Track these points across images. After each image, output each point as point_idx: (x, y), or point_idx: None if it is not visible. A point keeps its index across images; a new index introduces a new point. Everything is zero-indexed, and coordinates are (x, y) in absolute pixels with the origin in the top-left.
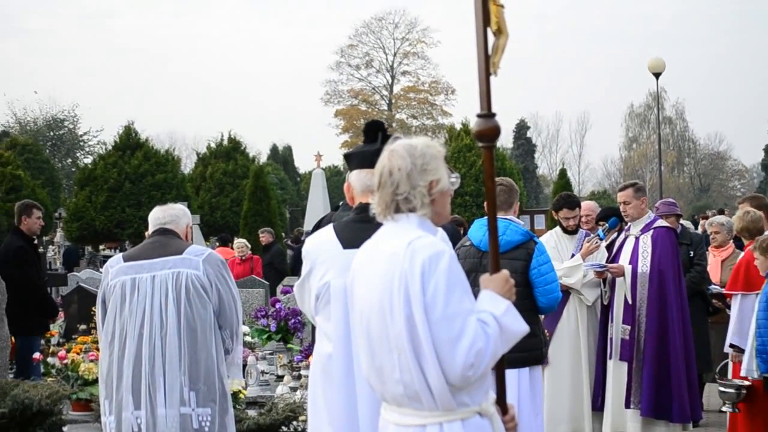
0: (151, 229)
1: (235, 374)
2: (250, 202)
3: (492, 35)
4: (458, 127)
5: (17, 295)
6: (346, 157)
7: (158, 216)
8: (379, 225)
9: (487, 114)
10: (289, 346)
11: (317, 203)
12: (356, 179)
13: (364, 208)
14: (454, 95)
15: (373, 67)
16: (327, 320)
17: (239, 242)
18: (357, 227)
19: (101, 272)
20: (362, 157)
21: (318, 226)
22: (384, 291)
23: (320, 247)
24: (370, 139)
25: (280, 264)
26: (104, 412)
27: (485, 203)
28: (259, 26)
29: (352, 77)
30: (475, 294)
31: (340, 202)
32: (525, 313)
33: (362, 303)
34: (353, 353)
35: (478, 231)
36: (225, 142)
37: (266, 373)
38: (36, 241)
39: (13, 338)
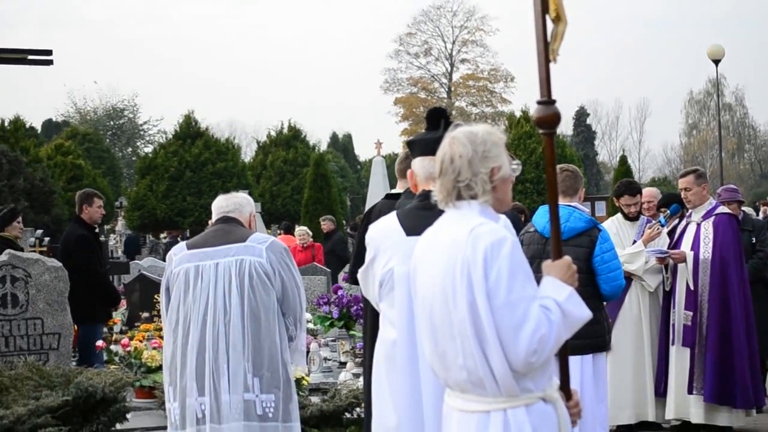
0: (214, 217)
1: (299, 361)
2: (311, 190)
3: (551, 22)
4: (518, 114)
5: (80, 283)
6: (409, 144)
7: (221, 204)
8: (441, 212)
9: (547, 101)
10: (351, 332)
11: (377, 191)
12: (419, 166)
13: (427, 195)
14: (514, 82)
15: (432, 55)
16: (391, 307)
17: (300, 230)
18: (420, 214)
19: (163, 260)
20: (425, 144)
21: (368, 215)
22: (446, 278)
23: (384, 234)
24: (433, 126)
25: (341, 251)
26: (168, 399)
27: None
28: (319, 15)
29: (411, 65)
30: (538, 281)
31: (390, 191)
32: (588, 300)
33: (425, 290)
34: (417, 339)
35: (542, 217)
36: (285, 131)
37: (329, 359)
38: (97, 230)
39: (75, 326)
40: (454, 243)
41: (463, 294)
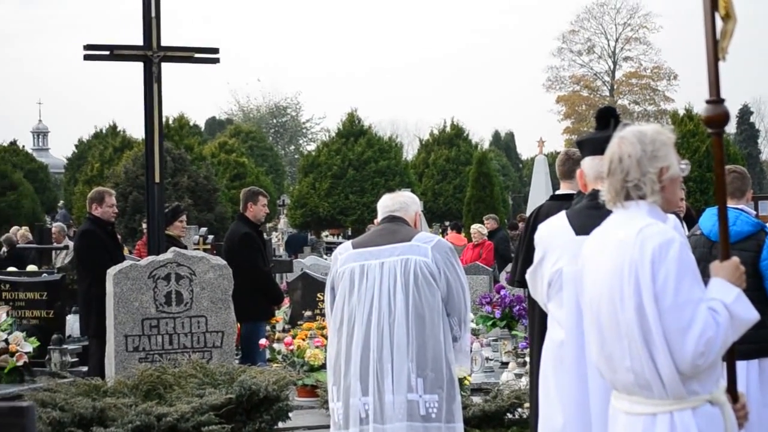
0: (380, 216)
1: (463, 361)
2: (474, 189)
3: (720, 20)
4: (681, 112)
5: (243, 281)
6: (579, 143)
7: (387, 204)
8: (610, 212)
9: (716, 100)
10: (513, 332)
11: (540, 190)
12: (588, 166)
13: (596, 194)
14: (677, 80)
15: (595, 53)
16: (559, 307)
17: (474, 227)
18: (589, 213)
19: (325, 258)
20: (594, 143)
21: (535, 216)
22: (614, 279)
23: (553, 233)
24: (602, 125)
25: (504, 250)
26: (332, 398)
27: (714, 190)
28: (481, 13)
29: (574, 63)
30: (705, 284)
31: (555, 192)
32: (755, 304)
33: (592, 290)
34: (585, 340)
35: (708, 220)
36: (448, 129)
37: (490, 359)
38: (261, 228)
39: (238, 324)
40: (622, 244)
41: (630, 295)
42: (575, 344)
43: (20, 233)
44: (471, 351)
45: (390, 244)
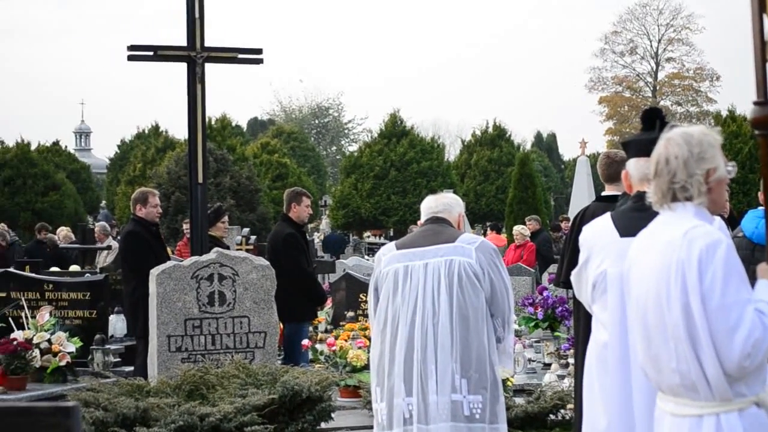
0: (423, 217)
1: (506, 362)
2: (516, 190)
3: None
4: (724, 113)
5: (287, 282)
6: (624, 145)
7: (431, 205)
8: (655, 213)
9: (763, 101)
10: (556, 334)
11: (582, 191)
12: (634, 167)
13: (642, 196)
14: (719, 81)
15: (638, 54)
16: (603, 309)
17: (516, 228)
18: (634, 216)
19: (367, 259)
20: (640, 145)
21: (580, 218)
22: (660, 280)
23: (598, 235)
24: (648, 126)
25: (546, 251)
26: (375, 399)
27: (759, 193)
28: (523, 13)
29: (616, 64)
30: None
31: (601, 194)
32: None
33: (638, 292)
34: (629, 342)
35: (750, 222)
36: (490, 130)
37: (533, 360)
38: (304, 229)
39: (281, 324)
40: (669, 245)
41: (677, 297)
42: (619, 346)
43: (62, 234)
44: (514, 352)
45: (434, 245)
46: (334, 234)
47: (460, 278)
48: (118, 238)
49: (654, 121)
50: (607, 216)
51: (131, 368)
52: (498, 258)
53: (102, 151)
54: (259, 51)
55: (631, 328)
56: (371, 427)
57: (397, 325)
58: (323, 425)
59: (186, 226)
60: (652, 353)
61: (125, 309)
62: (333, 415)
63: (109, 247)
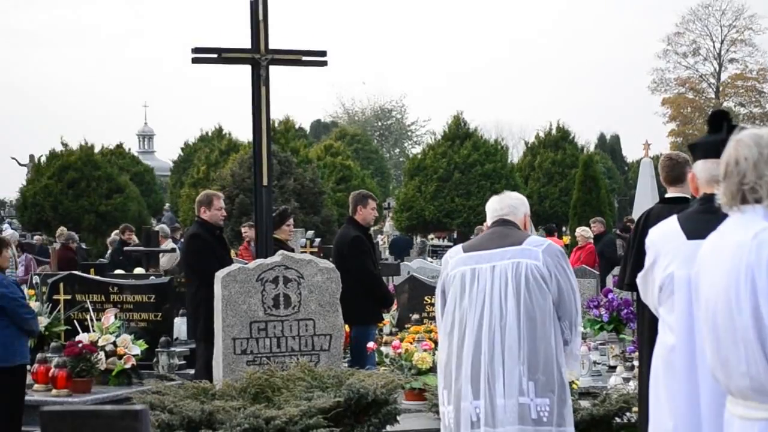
0: (489, 220)
1: (573, 365)
2: (580, 192)
3: None
4: None
5: (353, 284)
6: (691, 147)
7: (496, 207)
8: (724, 216)
9: None
10: (621, 336)
11: (645, 193)
12: (701, 169)
13: (709, 198)
14: None
15: (701, 55)
16: (670, 312)
17: (578, 230)
18: (702, 218)
19: (430, 261)
20: (707, 146)
21: (644, 220)
22: (730, 283)
23: (664, 237)
24: (715, 128)
25: (610, 253)
26: (442, 402)
27: None
28: (583, 14)
29: (679, 65)
30: None
31: (665, 195)
32: None
33: (708, 295)
34: (696, 345)
35: None
36: (553, 132)
37: (598, 363)
38: (369, 231)
39: (347, 327)
40: (738, 247)
41: (746, 299)
42: (686, 349)
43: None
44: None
45: (501, 247)
46: (402, 237)
47: (527, 281)
48: (181, 240)
49: (721, 123)
50: (674, 218)
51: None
52: (565, 260)
53: (165, 154)
54: (323, 53)
55: (700, 331)
56: (437, 430)
57: (464, 328)
58: (389, 428)
59: (246, 231)
60: (722, 356)
61: (187, 311)
62: (398, 418)
63: (173, 250)
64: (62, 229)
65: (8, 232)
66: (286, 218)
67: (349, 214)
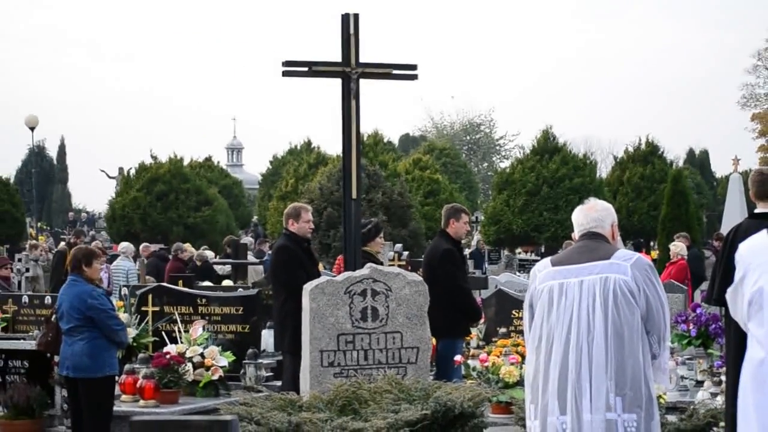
0: (577, 232)
1: (661, 379)
2: (669, 207)
3: None
4: None
5: (443, 297)
6: None
7: (582, 222)
8: None
9: None
10: (709, 351)
11: (734, 208)
12: None
13: None
14: None
15: None
16: (759, 326)
17: (672, 245)
18: None
19: (518, 275)
20: None
21: (735, 233)
22: None
23: (754, 252)
24: None
25: (697, 268)
26: (529, 417)
27: None
28: (673, 29)
29: None
30: None
31: (754, 211)
32: None
33: None
34: None
35: None
36: (642, 146)
37: (685, 378)
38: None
39: (434, 340)
40: None
41: None
42: None
43: (198, 252)
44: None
45: (589, 261)
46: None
47: (615, 296)
48: (269, 253)
49: None
50: (764, 233)
51: None
52: (654, 274)
53: (254, 167)
54: (413, 67)
55: None
56: None
57: (551, 343)
58: None
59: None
60: None
61: (274, 323)
62: (485, 431)
63: (262, 262)
64: (178, 244)
65: (124, 244)
66: (378, 232)
67: (440, 227)
